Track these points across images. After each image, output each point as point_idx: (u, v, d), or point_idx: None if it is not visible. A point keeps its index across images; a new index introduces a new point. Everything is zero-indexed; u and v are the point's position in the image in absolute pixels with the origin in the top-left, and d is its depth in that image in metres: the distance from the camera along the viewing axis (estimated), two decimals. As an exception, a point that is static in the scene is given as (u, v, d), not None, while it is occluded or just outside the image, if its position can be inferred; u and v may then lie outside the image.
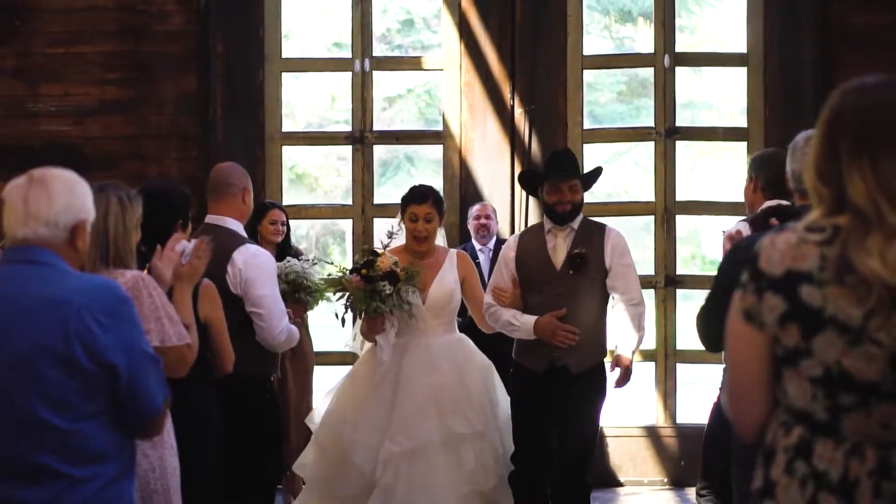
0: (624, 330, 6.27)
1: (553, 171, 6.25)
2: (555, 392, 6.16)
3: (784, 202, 5.74)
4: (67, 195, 3.49)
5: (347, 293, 6.05)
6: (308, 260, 6.56)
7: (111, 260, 4.32)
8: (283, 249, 7.52)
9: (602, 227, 6.33)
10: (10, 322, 3.36)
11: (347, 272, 6.08)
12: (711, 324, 4.07)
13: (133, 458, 3.59)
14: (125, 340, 3.42)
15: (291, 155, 8.52)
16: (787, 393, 2.61)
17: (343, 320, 6.25)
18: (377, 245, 6.30)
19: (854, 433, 2.55)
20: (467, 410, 6.07)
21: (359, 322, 6.21)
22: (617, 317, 6.30)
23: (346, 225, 14.88)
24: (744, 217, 5.97)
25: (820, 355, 2.53)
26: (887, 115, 2.54)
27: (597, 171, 6.42)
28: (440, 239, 6.45)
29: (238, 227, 5.68)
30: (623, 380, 6.30)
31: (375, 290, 5.96)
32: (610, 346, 6.39)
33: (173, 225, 4.93)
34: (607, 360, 6.35)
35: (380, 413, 6.04)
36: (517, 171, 8.50)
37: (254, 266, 5.55)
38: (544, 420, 6.21)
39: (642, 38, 17.66)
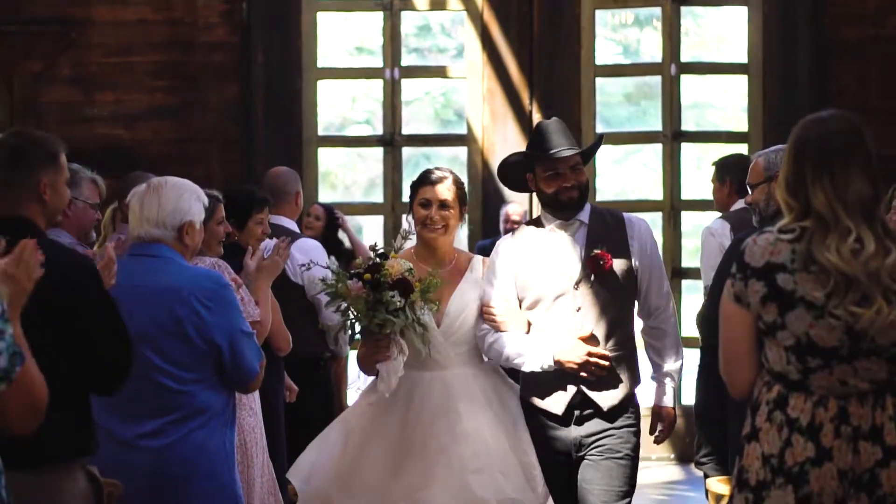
0: (663, 363, 4.78)
1: (545, 149, 4.64)
2: (578, 439, 4.66)
3: None
4: (175, 201, 4.23)
5: (345, 305, 4.63)
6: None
7: None
8: (327, 244, 7.68)
9: (619, 215, 4.81)
10: (132, 305, 4.03)
11: (346, 278, 4.63)
12: (713, 319, 3.94)
13: (234, 413, 4.33)
14: (227, 320, 4.17)
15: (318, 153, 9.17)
16: (767, 358, 3.18)
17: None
18: (395, 244, 4.80)
19: (819, 388, 3.13)
20: (501, 468, 4.58)
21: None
22: (650, 343, 4.82)
23: (363, 220, 15.41)
24: (721, 215, 6.60)
25: (792, 328, 3.12)
26: (838, 141, 3.18)
27: (598, 142, 4.96)
28: (460, 242, 5.28)
29: (293, 225, 6.46)
30: (666, 436, 4.79)
31: (381, 301, 4.51)
32: (644, 379, 4.84)
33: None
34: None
35: (379, 469, 4.64)
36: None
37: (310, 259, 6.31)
38: (567, 478, 4.71)
39: (648, 40, 18.19)
